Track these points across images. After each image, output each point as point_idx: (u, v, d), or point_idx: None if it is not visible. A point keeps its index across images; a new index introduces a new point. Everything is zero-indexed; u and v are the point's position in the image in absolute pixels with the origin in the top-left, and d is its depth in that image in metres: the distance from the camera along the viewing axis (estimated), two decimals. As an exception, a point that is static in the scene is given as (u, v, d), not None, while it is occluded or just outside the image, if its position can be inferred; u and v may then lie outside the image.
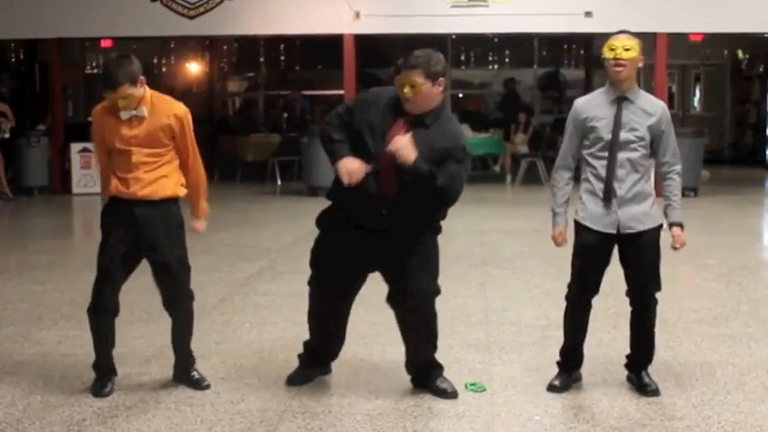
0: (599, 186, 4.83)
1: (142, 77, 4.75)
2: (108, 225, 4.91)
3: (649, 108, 4.84)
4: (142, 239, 4.86)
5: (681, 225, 4.89)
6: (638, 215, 4.81)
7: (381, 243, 4.73)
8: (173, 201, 4.93)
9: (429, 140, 4.60)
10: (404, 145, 4.51)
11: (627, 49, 4.76)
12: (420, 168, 4.53)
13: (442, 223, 4.89)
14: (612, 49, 4.78)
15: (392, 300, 4.86)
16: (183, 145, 4.94)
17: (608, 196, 4.79)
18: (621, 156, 4.79)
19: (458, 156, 4.65)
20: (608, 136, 4.78)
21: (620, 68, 4.76)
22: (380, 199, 4.64)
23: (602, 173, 4.81)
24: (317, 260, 4.94)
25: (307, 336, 5.12)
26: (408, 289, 4.76)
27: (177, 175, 4.95)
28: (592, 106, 4.89)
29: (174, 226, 4.94)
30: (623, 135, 4.78)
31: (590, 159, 4.87)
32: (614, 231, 4.80)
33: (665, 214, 4.91)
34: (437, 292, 4.87)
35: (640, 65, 4.85)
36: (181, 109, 4.91)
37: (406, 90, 4.57)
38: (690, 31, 15.23)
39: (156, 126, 4.82)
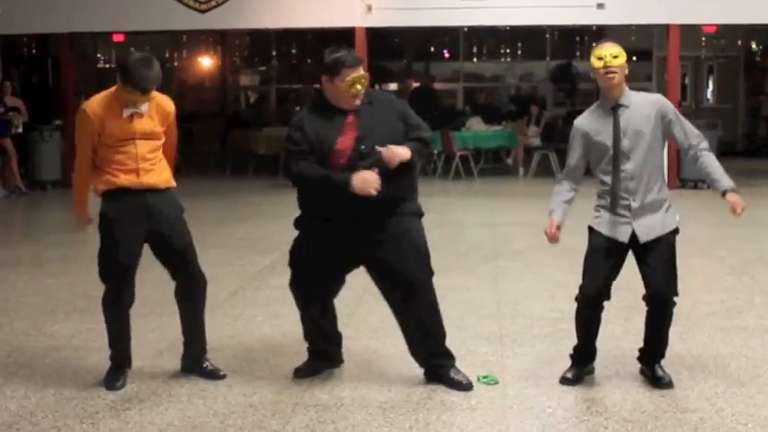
0: (608, 200, 4.81)
1: None
2: (117, 219, 4.89)
3: (645, 106, 4.81)
4: (156, 228, 4.90)
5: (735, 190, 4.74)
6: (654, 226, 4.78)
7: (365, 235, 4.74)
8: (173, 188, 5.04)
9: (380, 114, 4.76)
10: (392, 152, 4.65)
11: (615, 56, 4.73)
12: (414, 151, 4.72)
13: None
14: (600, 58, 4.74)
15: (387, 292, 4.88)
16: (170, 138, 5.10)
17: (614, 207, 4.76)
18: (628, 166, 4.75)
19: (406, 109, 4.89)
20: (609, 145, 4.77)
21: (611, 75, 4.73)
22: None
23: (609, 188, 4.80)
24: (297, 261, 4.96)
25: None
26: (403, 279, 4.77)
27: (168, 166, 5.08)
28: (592, 121, 4.87)
29: (180, 212, 5.03)
30: (625, 143, 4.75)
31: (600, 175, 4.85)
32: (627, 240, 4.78)
33: (713, 186, 4.78)
34: (432, 274, 4.87)
35: (626, 71, 4.80)
36: (170, 103, 5.05)
37: (359, 87, 4.69)
38: (703, 22, 15.16)
39: (154, 121, 4.91)
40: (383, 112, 4.79)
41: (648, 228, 4.77)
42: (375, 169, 4.63)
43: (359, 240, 4.75)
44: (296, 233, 4.98)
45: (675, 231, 4.86)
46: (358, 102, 4.74)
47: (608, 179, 4.79)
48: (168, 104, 5.02)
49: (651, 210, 4.78)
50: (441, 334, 4.96)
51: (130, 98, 4.76)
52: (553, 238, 4.93)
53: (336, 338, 5.17)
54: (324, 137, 4.70)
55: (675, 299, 4.85)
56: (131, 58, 4.74)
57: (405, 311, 4.88)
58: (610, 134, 4.77)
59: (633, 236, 4.77)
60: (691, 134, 4.84)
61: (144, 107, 4.84)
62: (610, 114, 4.80)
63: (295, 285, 4.99)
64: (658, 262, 4.78)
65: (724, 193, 4.75)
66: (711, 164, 4.79)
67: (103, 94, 4.89)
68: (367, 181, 4.60)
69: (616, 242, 4.79)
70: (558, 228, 4.90)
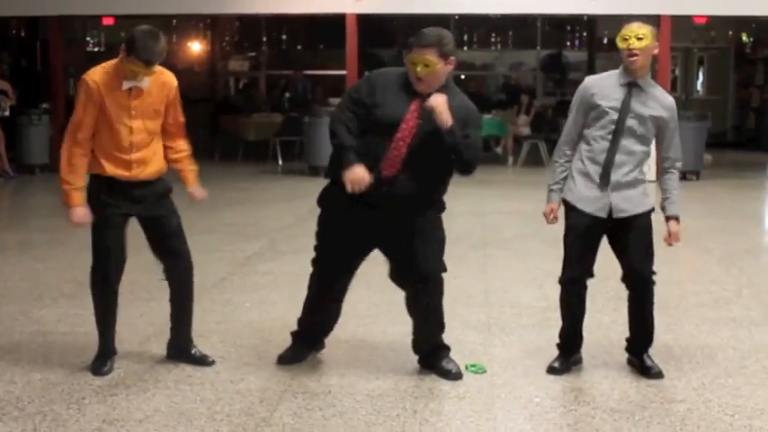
0: (593, 169, 4.80)
1: None
2: (105, 201, 4.85)
3: (659, 101, 4.81)
4: (144, 214, 4.87)
5: (677, 219, 4.90)
6: (631, 198, 4.80)
7: (385, 221, 4.70)
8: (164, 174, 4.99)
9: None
10: (442, 105, 4.52)
11: (639, 38, 4.71)
12: (456, 132, 4.55)
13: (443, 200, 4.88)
14: (625, 39, 4.73)
15: (401, 279, 4.85)
16: (174, 113, 4.94)
17: (606, 182, 4.77)
18: (623, 142, 4.76)
19: (475, 123, 4.75)
20: (613, 118, 4.76)
21: (633, 58, 4.72)
22: (383, 179, 4.62)
23: (599, 157, 4.79)
24: (322, 237, 4.89)
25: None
26: (419, 270, 4.75)
27: (162, 149, 4.98)
28: (602, 85, 4.85)
29: (167, 194, 4.97)
30: (629, 121, 4.75)
31: (589, 140, 4.83)
32: (605, 215, 4.79)
33: (663, 207, 4.92)
34: (445, 270, 4.86)
35: (655, 52, 4.81)
36: (172, 76, 4.92)
37: (420, 69, 4.55)
38: (694, 13, 15.14)
39: (154, 95, 4.80)
40: (453, 110, 4.58)
41: (625, 200, 4.78)
42: (371, 178, 4.55)
43: (379, 225, 4.71)
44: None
45: (651, 211, 4.88)
46: (423, 87, 4.59)
47: (597, 147, 4.79)
48: (169, 78, 4.88)
49: (629, 186, 4.80)
50: (442, 326, 4.97)
51: (133, 69, 4.63)
52: (551, 221, 4.97)
53: (337, 317, 5.12)
54: (391, 102, 4.60)
55: (654, 278, 4.86)
56: (139, 29, 4.66)
57: (421, 303, 4.86)
58: (616, 105, 4.76)
59: (610, 212, 4.78)
60: (675, 148, 4.90)
61: (145, 81, 4.73)
62: (624, 88, 4.78)
63: (319, 262, 4.92)
64: (635, 241, 4.81)
65: (668, 219, 4.90)
66: (674, 184, 4.93)
67: (104, 65, 4.78)
68: (356, 178, 4.54)
69: (595, 219, 4.79)
70: (556, 210, 4.95)
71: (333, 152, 4.76)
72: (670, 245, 4.93)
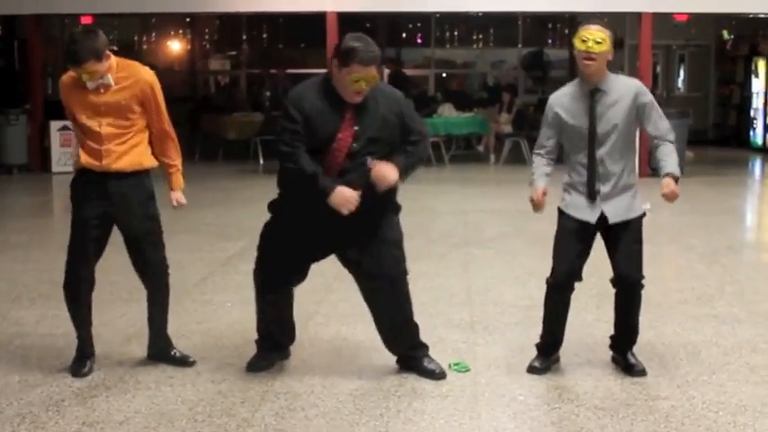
0: (580, 182, 4.77)
1: (108, 52, 4.66)
2: (79, 199, 4.83)
3: (623, 91, 4.73)
4: (114, 213, 4.81)
5: (675, 177, 4.64)
6: (622, 208, 4.76)
7: (340, 226, 4.62)
8: (145, 172, 4.87)
9: (381, 112, 4.61)
10: (388, 174, 4.54)
11: (598, 42, 4.62)
12: (403, 172, 4.61)
13: (401, 202, 4.86)
14: (584, 41, 4.63)
15: (362, 285, 4.82)
16: (154, 111, 4.86)
17: (592, 194, 4.73)
18: (602, 152, 4.70)
19: (411, 113, 4.72)
20: (584, 130, 4.71)
21: (589, 62, 4.64)
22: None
23: (582, 171, 4.75)
24: (267, 245, 4.85)
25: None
26: (378, 274, 4.71)
27: (148, 147, 4.91)
28: (565, 102, 4.79)
29: (145, 198, 4.87)
30: (601, 128, 4.70)
31: (570, 155, 4.81)
32: (595, 221, 4.75)
33: (659, 168, 4.71)
34: (407, 272, 4.83)
35: (610, 58, 4.71)
36: (148, 73, 4.83)
37: (364, 85, 4.50)
38: (675, 10, 15.20)
39: (124, 93, 4.74)
40: (386, 110, 4.60)
41: (616, 209, 4.74)
42: (358, 190, 4.52)
43: (335, 231, 4.66)
44: (267, 217, 4.89)
45: (642, 215, 4.84)
46: (359, 98, 4.54)
47: (581, 161, 4.75)
48: (144, 75, 4.78)
49: (619, 193, 4.75)
50: (413, 326, 4.93)
51: (78, 72, 4.62)
52: (539, 205, 4.85)
53: (291, 328, 5.08)
54: (323, 122, 4.53)
55: (643, 281, 4.84)
56: (73, 31, 4.75)
57: (378, 304, 4.83)
58: (585, 118, 4.72)
59: (601, 218, 4.75)
60: (662, 124, 4.79)
61: (108, 78, 4.67)
62: (587, 97, 4.72)
63: (261, 270, 4.88)
64: (626, 245, 4.77)
65: (664, 175, 4.66)
66: (670, 152, 4.72)
67: None
68: (345, 200, 4.50)
69: (585, 224, 4.77)
70: (544, 194, 4.82)
71: (282, 169, 4.72)
72: (667, 198, 4.64)
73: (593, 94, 4.71)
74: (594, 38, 4.62)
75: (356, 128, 4.56)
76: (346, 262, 4.84)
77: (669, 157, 4.69)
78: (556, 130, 4.85)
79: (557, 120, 4.81)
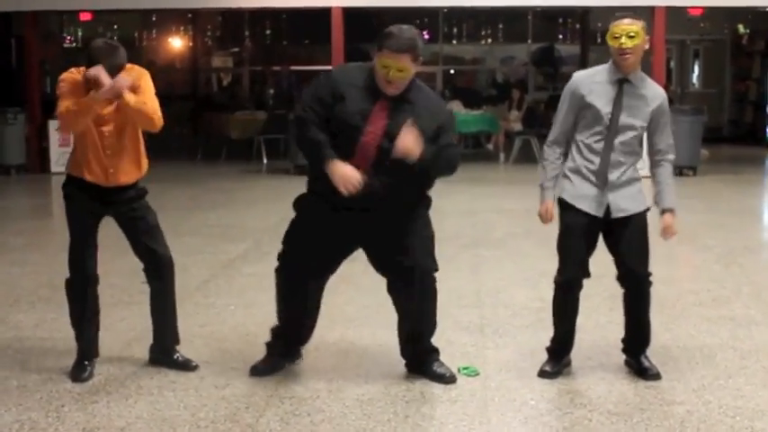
0: (588, 168, 4.70)
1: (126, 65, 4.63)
2: (76, 195, 4.78)
3: (650, 94, 4.72)
4: (112, 212, 4.80)
5: (672, 211, 4.77)
6: (629, 198, 4.71)
7: (368, 223, 4.55)
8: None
9: (419, 116, 4.45)
10: (411, 145, 4.35)
11: (631, 37, 4.60)
12: (426, 158, 4.40)
13: (433, 199, 4.74)
14: (616, 38, 4.62)
15: (389, 279, 4.71)
16: (139, 92, 4.70)
17: (603, 181, 4.66)
18: (618, 140, 4.66)
19: (451, 125, 4.60)
20: (606, 117, 4.65)
21: (625, 56, 4.63)
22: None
23: (593, 157, 4.69)
24: (292, 243, 4.75)
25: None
26: (408, 270, 4.60)
27: (142, 153, 4.87)
28: (592, 83, 4.74)
29: (143, 194, 4.88)
30: (622, 119, 4.66)
31: (583, 140, 4.73)
32: (602, 215, 4.69)
33: (656, 201, 4.81)
34: (436, 269, 4.72)
35: (646, 47, 4.71)
36: (139, 69, 4.78)
37: (392, 74, 4.39)
38: (689, 4, 15.10)
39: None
40: (423, 114, 4.46)
41: (624, 200, 4.69)
42: (362, 174, 4.38)
43: (362, 227, 4.57)
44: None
45: (647, 210, 4.78)
46: (392, 90, 4.43)
47: (591, 146, 4.69)
48: (133, 72, 4.72)
49: (626, 185, 4.71)
50: (432, 329, 4.84)
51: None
52: (548, 221, 4.83)
53: (313, 327, 4.98)
54: (353, 103, 4.42)
55: (651, 278, 4.77)
56: (95, 43, 4.62)
57: (405, 300, 4.71)
58: (608, 104, 4.66)
59: (607, 212, 4.69)
60: (666, 141, 4.81)
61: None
62: (615, 85, 4.68)
63: (286, 270, 4.78)
64: (631, 240, 4.72)
65: (663, 212, 4.78)
66: (667, 176, 4.81)
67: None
68: (346, 178, 4.38)
69: (591, 217, 4.69)
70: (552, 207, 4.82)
71: (309, 163, 4.62)
72: (665, 237, 4.79)
73: (621, 83, 4.68)
74: (627, 32, 4.62)
75: (388, 121, 4.44)
76: (373, 258, 4.72)
77: (669, 188, 4.80)
78: (574, 113, 4.76)
79: (579, 100, 4.72)
